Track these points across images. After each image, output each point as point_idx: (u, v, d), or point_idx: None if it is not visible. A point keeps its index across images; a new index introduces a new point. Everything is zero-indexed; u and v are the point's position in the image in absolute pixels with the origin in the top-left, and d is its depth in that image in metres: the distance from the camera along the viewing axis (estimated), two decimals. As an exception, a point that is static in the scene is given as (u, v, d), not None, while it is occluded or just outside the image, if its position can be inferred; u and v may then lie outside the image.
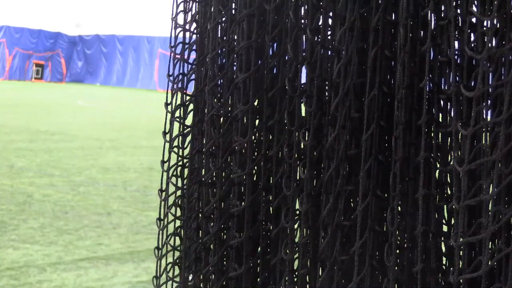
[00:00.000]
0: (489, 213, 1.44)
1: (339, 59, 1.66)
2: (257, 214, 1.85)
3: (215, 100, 1.94)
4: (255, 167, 1.86)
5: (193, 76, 2.04)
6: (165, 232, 2.04)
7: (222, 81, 1.94)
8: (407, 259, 1.64)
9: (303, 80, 1.77)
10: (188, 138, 2.04)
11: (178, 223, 2.03)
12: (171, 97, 2.04)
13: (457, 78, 1.55)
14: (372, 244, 1.66)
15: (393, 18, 1.66)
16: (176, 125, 2.03)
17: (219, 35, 1.95)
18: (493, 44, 1.49)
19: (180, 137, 2.03)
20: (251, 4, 1.83)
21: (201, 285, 1.96)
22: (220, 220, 1.88)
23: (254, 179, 1.88)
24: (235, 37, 1.89)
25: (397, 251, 1.63)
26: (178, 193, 2.06)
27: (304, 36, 1.78)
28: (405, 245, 1.64)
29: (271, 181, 1.85)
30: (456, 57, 1.57)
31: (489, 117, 1.51)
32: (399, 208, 1.62)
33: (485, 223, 1.43)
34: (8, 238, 5.82)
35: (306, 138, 1.72)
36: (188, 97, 2.04)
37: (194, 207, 1.99)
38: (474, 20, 1.54)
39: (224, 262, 1.92)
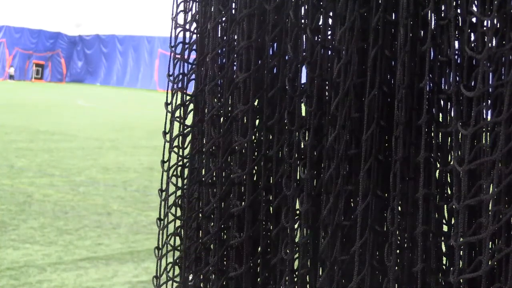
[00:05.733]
0: (489, 213, 1.44)
1: (339, 59, 1.66)
2: (257, 214, 1.84)
3: (215, 100, 1.94)
4: (255, 167, 1.86)
5: (193, 76, 2.04)
6: (165, 232, 2.04)
7: (222, 81, 1.94)
8: (407, 259, 1.64)
9: (303, 80, 1.77)
10: (188, 138, 2.04)
11: (178, 223, 2.03)
12: (171, 97, 2.04)
13: (457, 78, 1.55)
14: (372, 244, 1.66)
15: (393, 18, 1.66)
16: (176, 125, 2.03)
17: (219, 35, 1.95)
18: (493, 44, 1.49)
19: (180, 137, 2.03)
20: (251, 4, 1.83)
21: (201, 285, 1.96)
22: (220, 220, 1.88)
23: (254, 179, 1.88)
24: (235, 37, 1.89)
25: (397, 251, 1.63)
26: (178, 193, 2.06)
27: (304, 36, 1.78)
28: (405, 245, 1.64)
29: (271, 181, 1.85)
30: (456, 57, 1.57)
31: (489, 117, 1.51)
32: (399, 208, 1.62)
33: (485, 223, 1.43)
34: (8, 238, 5.82)
35: (306, 138, 1.72)
36: (188, 97, 2.04)
37: (194, 207, 1.99)
38: (474, 20, 1.54)
39: (224, 262, 1.92)
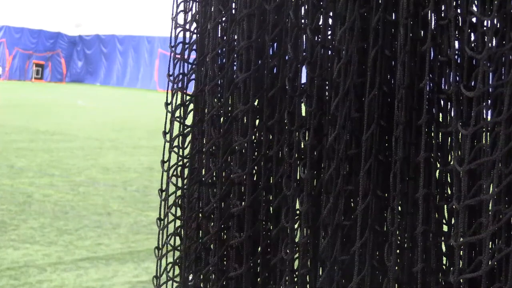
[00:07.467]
0: (489, 213, 1.44)
1: (339, 59, 1.66)
2: (257, 214, 1.85)
3: (215, 100, 1.94)
4: (255, 167, 1.86)
5: (193, 76, 2.04)
6: (165, 232, 2.04)
7: (222, 81, 1.94)
8: (407, 259, 1.64)
9: (303, 80, 1.77)
10: (188, 138, 2.04)
11: (178, 223, 2.03)
12: (171, 97, 2.04)
13: (457, 78, 1.55)
14: (372, 244, 1.66)
15: (393, 18, 1.66)
16: (176, 125, 2.03)
17: (219, 35, 1.95)
18: (493, 44, 1.49)
19: (180, 137, 2.03)
20: (251, 4, 1.83)
21: (201, 285, 1.96)
22: (220, 220, 1.88)
23: (254, 179, 1.88)
24: (235, 37, 1.89)
25: (397, 251, 1.63)
26: (178, 193, 2.06)
27: (304, 36, 1.78)
28: (405, 245, 1.64)
29: (271, 181, 1.85)
30: (456, 57, 1.57)
31: (489, 117, 1.51)
32: (399, 208, 1.62)
33: (485, 223, 1.43)
34: (8, 238, 5.82)
35: (306, 138, 1.72)
36: (188, 97, 2.04)
37: (194, 207, 1.99)
38: (474, 20, 1.54)
39: (224, 262, 1.92)
